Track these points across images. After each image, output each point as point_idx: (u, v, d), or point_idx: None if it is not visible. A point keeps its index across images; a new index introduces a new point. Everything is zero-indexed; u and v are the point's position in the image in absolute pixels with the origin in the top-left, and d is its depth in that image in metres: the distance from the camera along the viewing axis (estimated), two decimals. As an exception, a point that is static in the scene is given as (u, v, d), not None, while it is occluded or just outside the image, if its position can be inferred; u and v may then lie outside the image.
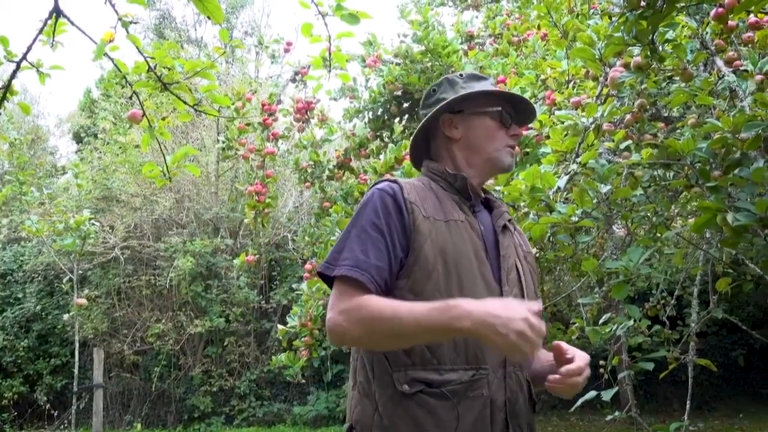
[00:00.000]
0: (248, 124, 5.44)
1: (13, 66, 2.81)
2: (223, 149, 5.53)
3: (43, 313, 11.90)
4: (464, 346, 1.45)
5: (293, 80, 5.64)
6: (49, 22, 2.73)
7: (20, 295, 12.11)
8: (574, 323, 2.43)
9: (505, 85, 4.40)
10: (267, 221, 5.52)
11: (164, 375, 11.78)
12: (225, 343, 11.84)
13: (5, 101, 2.99)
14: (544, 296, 5.49)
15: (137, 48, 2.78)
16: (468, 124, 1.69)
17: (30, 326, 11.96)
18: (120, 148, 12.44)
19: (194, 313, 11.70)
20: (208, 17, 1.69)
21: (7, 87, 2.94)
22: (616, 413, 2.18)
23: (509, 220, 1.71)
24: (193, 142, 12.40)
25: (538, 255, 2.31)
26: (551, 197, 2.09)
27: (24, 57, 2.81)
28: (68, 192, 11.95)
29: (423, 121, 1.71)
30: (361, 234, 1.50)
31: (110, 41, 2.74)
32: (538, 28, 4.95)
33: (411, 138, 1.79)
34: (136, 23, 2.73)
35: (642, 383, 10.14)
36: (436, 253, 1.49)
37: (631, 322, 2.06)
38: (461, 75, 1.76)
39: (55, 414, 11.54)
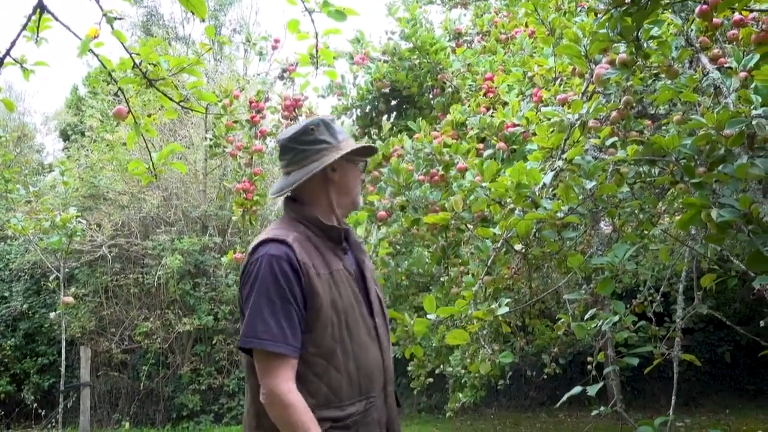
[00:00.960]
0: (236, 122, 5.42)
1: (-4, 62, 2.79)
2: (211, 147, 5.51)
3: (30, 312, 11.82)
4: (357, 381, 1.74)
5: (281, 77, 5.62)
6: (33, 17, 2.71)
7: (6, 294, 12.02)
8: (560, 319, 2.44)
9: (493, 82, 4.41)
10: (255, 219, 5.50)
11: (152, 373, 11.72)
12: (214, 342, 11.79)
13: (-12, 97, 2.96)
14: (531, 293, 5.50)
15: (122, 44, 2.76)
16: (344, 170, 1.92)
17: (17, 325, 11.88)
18: (107, 145, 12.35)
19: (182, 311, 11.65)
20: (192, 12, 1.68)
21: (-9, 83, 2.91)
22: (602, 408, 2.19)
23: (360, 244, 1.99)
24: (180, 140, 12.34)
25: (524, 251, 2.32)
26: (537, 193, 2.10)
27: (7, 53, 2.78)
28: (55, 190, 11.86)
29: (332, 161, 1.87)
30: (272, 305, 1.68)
31: (95, 37, 2.73)
32: (526, 25, 4.95)
33: (291, 170, 1.95)
34: (121, 19, 2.72)
35: (629, 379, 10.20)
36: (329, 308, 1.73)
37: (617, 318, 2.07)
38: (332, 118, 2.00)
39: (43, 413, 11.46)
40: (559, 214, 1.98)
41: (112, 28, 2.71)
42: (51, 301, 11.75)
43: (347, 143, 1.91)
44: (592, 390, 2.02)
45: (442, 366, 7.35)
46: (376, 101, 5.25)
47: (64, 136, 17.48)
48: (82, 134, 14.46)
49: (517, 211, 2.04)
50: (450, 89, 4.84)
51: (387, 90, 5.19)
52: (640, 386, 10.63)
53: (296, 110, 5.47)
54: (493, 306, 2.16)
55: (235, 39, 19.39)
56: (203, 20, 1.67)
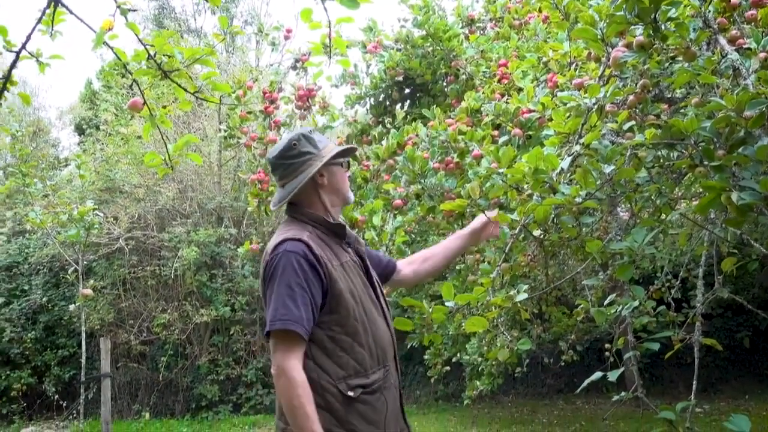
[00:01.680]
0: (250, 113, 5.43)
1: (12, 56, 2.81)
2: (225, 138, 5.52)
3: (49, 305, 11.95)
4: (376, 353, 2.03)
5: (294, 67, 5.61)
6: (48, 11, 2.72)
7: (26, 287, 12.15)
8: (579, 305, 2.43)
9: (507, 68, 4.38)
10: (270, 210, 5.51)
11: (171, 364, 11.83)
12: (231, 332, 11.88)
13: (5, 92, 2.98)
14: (548, 280, 5.48)
15: (136, 36, 2.77)
16: (330, 173, 2.20)
17: (37, 318, 12.01)
18: (122, 139, 12.42)
19: (200, 302, 11.73)
20: (206, 0, 1.67)
21: (8, 77, 2.93)
22: (623, 394, 2.18)
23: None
24: (194, 132, 12.38)
25: (542, 237, 2.31)
26: (555, 179, 2.08)
27: (23, 46, 2.80)
28: (71, 184, 11.96)
29: (316, 169, 2.15)
30: (291, 293, 1.93)
31: (109, 29, 2.73)
32: (539, 11, 4.91)
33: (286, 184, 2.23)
34: (134, 11, 2.72)
35: (647, 366, 10.15)
36: (347, 292, 2.01)
37: (636, 303, 2.06)
38: (310, 130, 2.26)
39: (64, 405, 11.60)
40: (577, 200, 1.97)
41: (126, 19, 2.72)
42: (70, 294, 11.87)
43: (328, 149, 2.19)
44: (613, 375, 2.02)
45: (459, 354, 7.36)
46: (390, 90, 5.23)
47: (79, 130, 17.59)
48: (97, 128, 14.54)
49: (535, 197, 2.03)
50: (464, 76, 4.81)
51: (400, 78, 5.17)
52: (658, 372, 10.58)
53: (309, 100, 5.46)
54: (511, 293, 2.16)
55: (246, 30, 19.39)
56: (217, 7, 1.67)
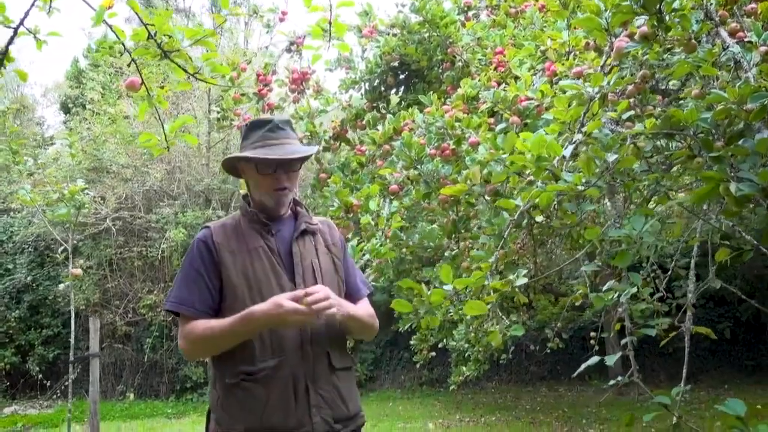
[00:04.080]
0: (243, 95, 5.40)
1: (9, 32, 2.77)
2: (218, 120, 5.50)
3: (34, 284, 11.89)
4: (269, 341, 1.97)
5: (288, 50, 5.58)
6: (47, -13, 2.69)
7: (10, 266, 12.07)
8: (569, 292, 2.46)
9: (503, 56, 4.38)
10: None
11: (156, 346, 11.83)
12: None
13: (2, 68, 2.95)
14: (536, 268, 5.53)
15: (137, 14, 2.75)
16: (245, 171, 2.18)
17: (21, 297, 11.95)
18: (109, 119, 12.30)
19: (186, 284, 11.70)
20: None
21: (5, 53, 2.89)
22: (619, 378, 2.22)
23: (308, 224, 2.18)
24: (184, 113, 12.29)
25: (544, 223, 2.33)
26: (556, 166, 2.10)
27: (21, 23, 2.76)
28: (57, 162, 11.84)
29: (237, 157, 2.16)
30: (186, 276, 2.05)
31: (109, 7, 2.71)
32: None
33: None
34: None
35: (627, 357, 10.28)
36: (241, 278, 2.02)
37: (634, 290, 2.09)
38: (247, 125, 2.22)
39: (48, 384, 11.57)
40: (580, 187, 1.99)
41: (127, -3, 2.70)
42: (54, 274, 11.81)
43: (258, 144, 2.10)
44: (610, 360, 2.05)
45: (445, 340, 7.41)
46: (385, 75, 5.22)
47: (65, 108, 17.39)
48: (83, 107, 14.39)
49: (539, 184, 2.04)
50: (460, 63, 4.81)
51: (396, 63, 5.17)
52: (640, 362, 10.62)
53: (303, 83, 5.45)
54: (510, 277, 2.18)
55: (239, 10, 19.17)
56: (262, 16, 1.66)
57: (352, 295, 2.23)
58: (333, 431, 2.01)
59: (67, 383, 10.75)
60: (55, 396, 11.38)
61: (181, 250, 11.44)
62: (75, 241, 10.92)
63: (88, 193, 5.11)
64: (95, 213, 10.94)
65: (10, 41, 2.84)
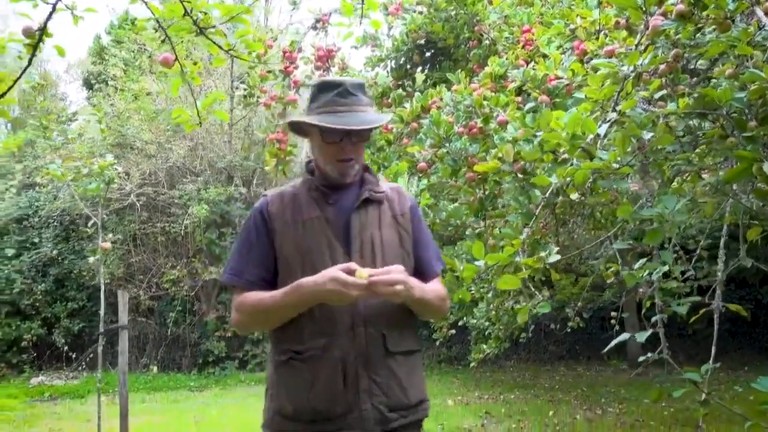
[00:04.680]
0: (269, 72, 5.43)
1: (48, 8, 2.82)
2: (245, 97, 5.53)
3: (59, 258, 12.08)
4: (319, 321, 1.86)
5: (314, 28, 5.60)
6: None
7: (36, 240, 12.27)
8: (609, 267, 2.49)
9: (531, 34, 4.38)
10: (288, 169, 5.56)
11: (179, 320, 12.02)
12: (239, 290, 12.02)
13: (41, 43, 3.00)
14: (559, 247, 5.54)
15: (173, -9, 2.78)
16: (310, 135, 2.02)
17: (47, 270, 12.16)
18: (133, 95, 12.40)
19: (208, 260, 11.86)
20: None
21: (43, 29, 2.94)
22: (649, 355, 2.25)
23: (372, 193, 2.01)
24: (206, 90, 12.36)
25: (577, 200, 2.36)
26: (591, 144, 2.13)
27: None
28: (81, 138, 11.97)
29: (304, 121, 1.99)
30: (240, 248, 2.00)
31: (146, -16, 2.75)
32: (564, -24, 4.88)
33: None
34: (172, -34, 2.73)
35: (649, 336, 10.29)
36: (293, 251, 1.92)
37: (666, 268, 2.12)
38: (315, 85, 2.03)
39: (73, 356, 11.81)
40: (615, 165, 2.01)
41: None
42: (80, 248, 12.00)
43: (322, 114, 1.92)
44: (641, 337, 2.09)
45: (465, 318, 7.47)
46: (411, 53, 5.23)
47: (88, 84, 17.51)
48: (106, 83, 14.50)
49: (575, 162, 2.07)
50: (487, 41, 4.81)
51: (422, 41, 5.17)
52: (658, 344, 10.73)
53: (329, 61, 5.47)
54: (542, 254, 2.22)
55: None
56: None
57: (423, 272, 2.03)
58: (386, 420, 1.86)
59: (92, 355, 10.98)
60: (80, 367, 11.64)
61: (203, 226, 11.58)
62: (102, 215, 11.11)
63: (116, 169, 5.19)
64: (120, 189, 11.08)
65: (49, 17, 2.88)
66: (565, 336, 10.64)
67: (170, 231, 11.84)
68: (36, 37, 2.91)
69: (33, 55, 2.92)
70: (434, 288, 2.01)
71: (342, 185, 1.99)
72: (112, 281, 11.53)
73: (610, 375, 10.48)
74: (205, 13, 2.82)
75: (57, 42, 2.99)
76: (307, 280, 1.81)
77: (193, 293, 11.84)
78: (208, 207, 11.24)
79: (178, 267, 11.75)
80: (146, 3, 2.89)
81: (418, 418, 1.95)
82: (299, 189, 2.02)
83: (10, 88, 3.18)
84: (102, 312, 5.58)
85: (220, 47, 2.87)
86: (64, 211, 11.78)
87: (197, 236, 11.65)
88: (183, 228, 11.49)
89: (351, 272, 1.77)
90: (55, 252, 12.04)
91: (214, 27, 2.81)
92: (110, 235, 7.96)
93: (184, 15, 2.83)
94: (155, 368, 11.84)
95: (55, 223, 12.23)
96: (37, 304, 11.94)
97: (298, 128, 2.08)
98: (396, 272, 1.81)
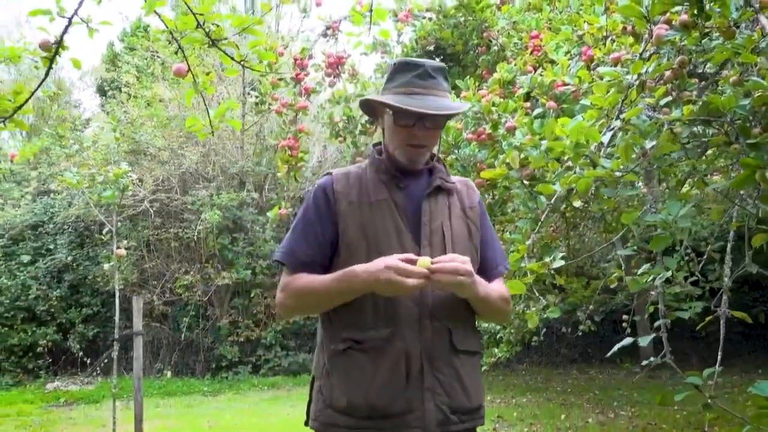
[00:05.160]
0: (281, 79, 5.50)
1: (64, 22, 2.89)
2: (257, 104, 5.61)
3: (74, 264, 12.20)
4: (383, 309, 1.74)
5: (324, 35, 5.67)
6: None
7: (51, 247, 12.40)
8: (613, 273, 2.53)
9: (539, 40, 4.42)
10: (299, 175, 5.62)
11: (192, 325, 12.10)
12: (251, 295, 12.10)
13: (57, 56, 3.07)
14: (569, 251, 5.57)
15: (186, 4, 2.85)
16: (383, 118, 1.92)
17: (62, 276, 12.28)
18: (146, 102, 12.53)
19: (221, 265, 11.94)
20: None
21: (59, 42, 3.01)
22: (651, 359, 2.28)
23: (444, 182, 1.91)
24: (218, 97, 12.47)
25: (579, 210, 2.40)
26: (594, 152, 2.17)
27: (75, 12, 2.88)
28: (96, 144, 12.09)
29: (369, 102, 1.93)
30: (297, 226, 1.88)
31: (159, -3, 2.82)
32: (573, -18, 4.92)
33: None
34: (184, -20, 2.80)
35: (661, 339, 10.26)
36: (358, 233, 1.80)
37: (669, 274, 2.15)
38: (394, 64, 1.91)
39: (88, 361, 11.92)
40: (618, 173, 2.05)
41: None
42: (94, 254, 12.12)
43: (398, 95, 1.82)
44: (644, 341, 2.12)
45: (476, 322, 7.50)
46: (421, 59, 5.29)
47: (101, 91, 17.69)
48: (119, 90, 14.65)
49: (578, 170, 2.11)
50: (496, 47, 4.86)
51: (431, 48, 5.23)
52: (672, 345, 10.65)
53: (339, 67, 5.53)
54: (547, 259, 2.26)
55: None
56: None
57: (487, 271, 1.92)
58: (447, 422, 1.74)
59: (106, 360, 11.09)
60: (95, 373, 11.75)
61: (216, 232, 11.68)
62: (116, 222, 11.25)
63: (131, 176, 5.27)
64: (133, 195, 11.20)
65: (65, 31, 2.96)
66: (578, 339, 10.64)
67: (183, 236, 11.94)
68: (53, 50, 2.98)
69: (50, 67, 3.00)
70: (498, 288, 1.92)
71: (411, 171, 1.89)
72: (125, 287, 11.63)
73: (622, 378, 10.46)
74: (218, 25, 2.88)
75: (72, 49, 3.05)
76: (361, 266, 1.70)
77: (206, 298, 11.93)
78: (221, 212, 11.33)
79: (192, 272, 11.84)
80: (160, 15, 2.96)
81: (474, 425, 1.83)
82: (366, 170, 1.92)
83: (26, 101, 3.26)
84: (117, 318, 5.66)
85: (232, 58, 2.93)
86: (79, 217, 11.90)
87: (210, 242, 11.75)
88: (196, 233, 11.58)
89: (411, 262, 1.66)
90: (69, 258, 12.16)
91: (226, 39, 2.87)
92: (125, 242, 8.07)
93: (197, 27, 2.90)
94: (169, 373, 11.92)
95: (69, 230, 12.36)
96: (53, 310, 12.06)
97: (369, 108, 1.99)
98: (460, 261, 1.68)
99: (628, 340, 2.23)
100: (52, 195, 12.76)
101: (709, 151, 2.93)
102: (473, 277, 1.71)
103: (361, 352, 1.74)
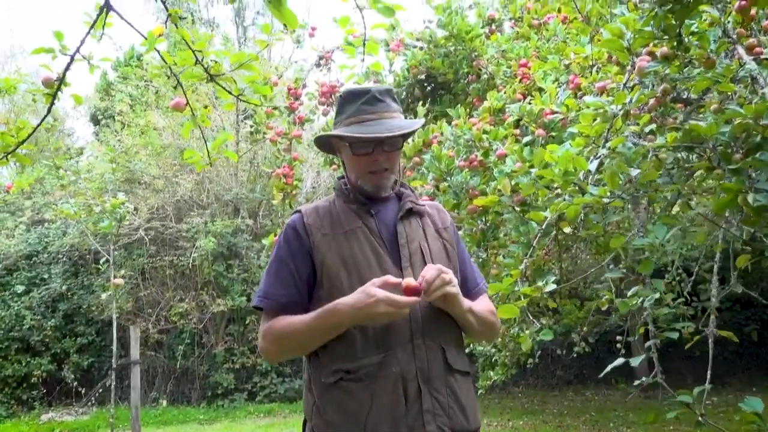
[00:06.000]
0: (275, 108, 5.59)
1: (66, 59, 2.98)
2: (252, 133, 5.70)
3: (68, 293, 12.18)
4: (372, 334, 1.70)
5: (318, 65, 5.78)
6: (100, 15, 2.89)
7: (46, 276, 12.38)
8: (595, 297, 2.60)
9: (528, 68, 4.53)
10: (294, 202, 5.70)
11: (188, 353, 12.07)
12: (246, 322, 12.10)
13: (59, 92, 3.15)
14: (562, 273, 5.64)
15: (186, 41, 2.94)
16: (340, 152, 1.92)
17: (56, 306, 12.25)
18: (140, 130, 12.63)
19: (216, 292, 11.95)
20: (284, 24, 1.84)
21: (62, 79, 3.09)
22: (643, 379, 2.35)
23: (415, 204, 1.91)
24: (212, 125, 12.59)
25: (571, 233, 2.47)
26: (582, 180, 2.25)
27: (77, 50, 2.97)
28: (90, 174, 12.17)
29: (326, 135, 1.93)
30: (270, 268, 1.84)
31: (159, 35, 2.92)
32: (559, 11, 5.06)
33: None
34: (184, 18, 2.89)
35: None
36: (337, 262, 1.76)
37: (657, 295, 2.22)
38: (340, 96, 1.92)
39: (83, 391, 11.86)
40: (605, 200, 2.13)
41: (177, 27, 2.90)
42: (89, 283, 12.11)
43: (350, 125, 1.83)
44: (635, 361, 2.19)
45: (471, 345, 7.54)
46: (412, 88, 5.40)
47: (94, 120, 17.79)
48: (113, 119, 14.74)
49: (567, 197, 2.19)
50: (485, 76, 4.97)
51: (422, 76, 5.34)
52: (666, 366, 10.59)
53: (332, 96, 5.64)
54: (540, 283, 2.33)
55: (258, 21, 19.55)
56: (293, 30, 1.83)
57: (469, 290, 1.91)
58: None
59: (101, 390, 11.04)
60: (89, 403, 11.68)
61: (211, 259, 11.71)
62: (107, 252, 11.28)
63: (128, 207, 5.34)
64: (128, 223, 11.24)
65: (67, 68, 3.04)
66: (573, 361, 10.66)
67: (178, 264, 11.96)
68: (55, 87, 3.07)
69: (52, 103, 3.08)
70: (484, 303, 1.92)
71: (380, 198, 1.88)
72: (120, 315, 11.62)
73: (618, 399, 10.48)
74: (216, 61, 2.98)
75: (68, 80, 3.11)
76: (344, 302, 1.66)
77: (201, 326, 11.92)
78: (215, 240, 11.38)
79: (187, 300, 11.85)
80: (159, 52, 3.05)
81: None
82: (334, 203, 1.90)
83: (29, 136, 3.34)
84: (115, 347, 5.69)
85: (230, 93, 3.02)
86: (73, 246, 11.92)
87: (205, 269, 11.77)
88: (191, 261, 11.61)
89: (394, 285, 1.64)
90: (64, 288, 12.15)
91: (224, 74, 2.96)
92: (122, 271, 8.10)
93: (196, 63, 2.99)
94: (165, 402, 11.87)
95: (64, 259, 12.36)
96: (47, 340, 12.01)
97: (325, 144, 1.98)
98: (431, 269, 1.68)
99: (620, 361, 2.30)
100: (46, 224, 12.77)
101: (697, 174, 3.03)
102: (456, 287, 1.71)
103: (354, 381, 1.68)
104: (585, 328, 7.41)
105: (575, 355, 6.96)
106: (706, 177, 3.33)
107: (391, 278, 1.65)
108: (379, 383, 1.66)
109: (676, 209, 3.15)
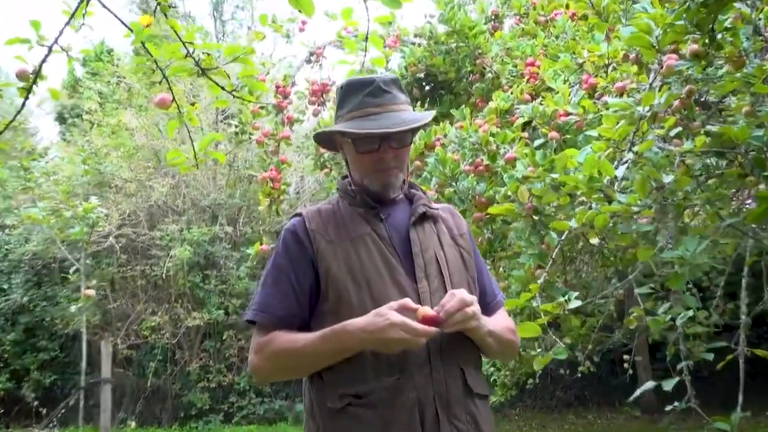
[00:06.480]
0: (262, 107, 5.54)
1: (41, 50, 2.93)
2: (237, 134, 5.65)
3: (30, 305, 12.01)
4: (386, 355, 1.61)
5: (308, 61, 5.75)
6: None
7: (5, 286, 12.21)
8: (632, 312, 2.58)
9: (536, 67, 4.53)
10: (281, 209, 5.65)
11: (159, 370, 11.92)
12: (224, 337, 11.98)
13: (35, 86, 3.10)
14: (566, 287, 5.63)
15: (175, 32, 2.91)
16: (343, 149, 1.86)
17: (16, 319, 12.08)
18: (112, 130, 12.51)
19: (191, 305, 11.83)
20: (299, 11, 1.81)
21: (38, 72, 3.04)
22: (676, 404, 2.33)
23: (428, 208, 1.84)
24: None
25: (600, 245, 2.46)
26: (608, 186, 2.23)
27: (55, 41, 2.92)
28: (56, 176, 12.04)
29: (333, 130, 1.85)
30: (267, 278, 1.76)
31: (147, 26, 2.88)
32: (567, 7, 5.06)
33: None
34: (175, 7, 2.85)
35: (662, 380, 10.32)
36: (345, 274, 1.68)
37: (691, 313, 2.20)
38: (341, 87, 1.85)
39: (44, 412, 11.67)
40: (634, 208, 2.11)
41: (166, 16, 2.86)
42: (52, 294, 11.95)
43: (353, 119, 1.77)
44: (668, 385, 2.16)
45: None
46: (411, 86, 5.38)
47: (61, 119, 17.63)
48: (81, 117, 14.61)
49: (593, 205, 2.17)
50: (490, 75, 4.96)
51: (421, 75, 5.32)
52: (683, 386, 10.74)
53: (324, 95, 5.60)
54: (561, 299, 2.30)
55: (237, 15, 19.53)
56: (309, 18, 1.80)
57: (487, 303, 1.84)
58: None
59: (64, 410, 10.87)
60: (51, 424, 11.50)
61: (186, 269, 11.59)
62: (73, 260, 11.13)
63: (101, 211, 5.26)
64: (99, 230, 11.12)
65: (44, 60, 3.00)
66: (574, 381, 10.65)
67: (150, 274, 11.83)
68: (30, 80, 3.01)
69: (26, 98, 3.03)
70: (503, 320, 1.85)
71: (389, 200, 1.81)
72: (87, 329, 11.48)
73: (622, 423, 10.47)
74: (208, 54, 2.94)
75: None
76: (355, 324, 1.59)
77: (174, 341, 11.79)
78: (192, 248, 11.26)
79: (159, 313, 11.71)
80: (144, 44, 3.00)
81: None
82: (338, 205, 1.82)
83: (1, 132, 3.28)
84: (84, 363, 5.60)
85: (223, 89, 2.98)
86: (36, 254, 11.76)
87: (179, 279, 11.65)
88: (164, 271, 11.49)
89: (409, 309, 1.58)
90: (25, 299, 11.97)
91: (216, 68, 2.92)
92: (93, 281, 7.98)
93: (186, 56, 2.95)
94: (133, 423, 11.70)
95: (26, 268, 12.19)
96: (6, 356, 11.84)
97: (327, 140, 1.93)
98: (466, 302, 1.61)
99: (650, 384, 2.27)
100: (7, 230, 12.60)
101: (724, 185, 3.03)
102: (478, 312, 1.65)
103: (366, 407, 1.60)
104: (590, 347, 7.39)
105: (579, 375, 6.94)
106: (720, 184, 3.34)
107: (409, 302, 1.59)
108: (395, 410, 1.59)
109: (701, 221, 3.15)
